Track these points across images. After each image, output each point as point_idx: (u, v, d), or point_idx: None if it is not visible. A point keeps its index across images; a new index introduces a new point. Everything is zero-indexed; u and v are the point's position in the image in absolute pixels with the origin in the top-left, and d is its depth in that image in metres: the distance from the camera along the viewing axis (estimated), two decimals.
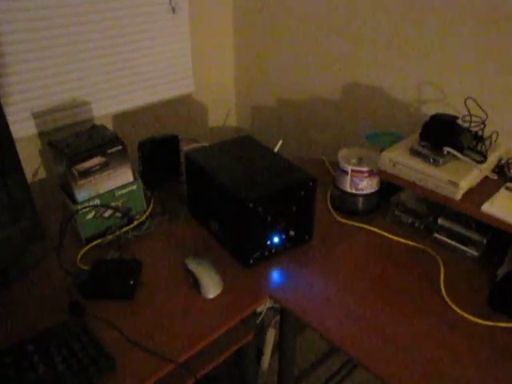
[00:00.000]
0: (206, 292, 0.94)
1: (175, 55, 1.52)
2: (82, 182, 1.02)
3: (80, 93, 1.34)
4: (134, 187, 1.11)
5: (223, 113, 1.81)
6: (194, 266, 0.97)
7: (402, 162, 1.05)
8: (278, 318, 1.70)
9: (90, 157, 1.01)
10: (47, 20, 1.20)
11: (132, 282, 0.94)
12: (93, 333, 0.84)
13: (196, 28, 1.55)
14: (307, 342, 1.79)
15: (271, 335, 1.66)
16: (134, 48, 1.41)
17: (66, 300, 0.93)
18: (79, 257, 1.05)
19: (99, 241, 1.08)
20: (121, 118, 1.48)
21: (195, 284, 0.96)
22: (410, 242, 1.09)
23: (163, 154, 1.28)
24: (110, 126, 1.45)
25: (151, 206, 1.18)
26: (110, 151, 1.04)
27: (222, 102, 1.78)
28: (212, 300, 0.94)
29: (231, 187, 0.97)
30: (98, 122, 1.37)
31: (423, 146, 1.06)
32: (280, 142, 1.30)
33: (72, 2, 1.22)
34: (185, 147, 1.35)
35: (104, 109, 1.42)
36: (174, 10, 1.44)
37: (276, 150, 1.28)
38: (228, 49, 1.70)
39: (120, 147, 1.05)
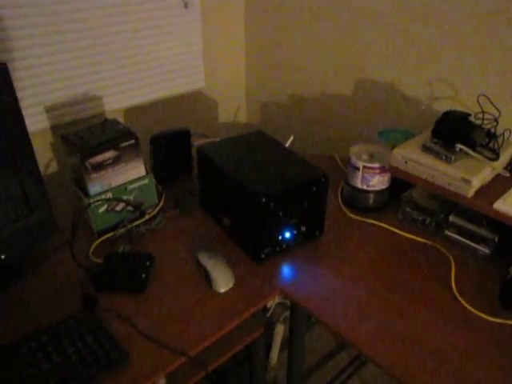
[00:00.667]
0: (217, 286, 0.94)
1: (186, 50, 1.52)
2: (95, 175, 1.03)
3: (92, 87, 1.35)
4: (146, 181, 1.12)
5: (233, 108, 1.81)
6: (205, 260, 0.97)
7: (413, 158, 1.05)
8: (286, 313, 1.71)
9: (103, 150, 1.02)
10: (59, 15, 1.21)
11: (144, 276, 0.95)
12: (105, 325, 0.85)
13: (207, 24, 1.55)
14: (315, 338, 1.79)
15: (280, 330, 1.67)
16: (146, 43, 1.41)
17: (79, 292, 0.94)
18: (91, 250, 1.06)
19: (111, 234, 1.09)
20: (132, 112, 1.49)
21: (206, 278, 0.96)
22: (421, 239, 1.09)
23: (175, 148, 1.29)
24: (121, 120, 1.46)
25: (163, 200, 1.19)
26: (122, 145, 1.04)
27: (232, 98, 1.78)
28: (223, 294, 0.94)
29: (243, 182, 0.98)
30: (109, 117, 1.39)
31: (435, 143, 1.06)
32: (291, 137, 1.30)
33: None
34: (196, 142, 1.36)
35: (116, 103, 1.42)
36: (186, 6, 1.44)
37: (287, 145, 1.28)
38: (239, 44, 1.70)
39: (133, 141, 1.06)
